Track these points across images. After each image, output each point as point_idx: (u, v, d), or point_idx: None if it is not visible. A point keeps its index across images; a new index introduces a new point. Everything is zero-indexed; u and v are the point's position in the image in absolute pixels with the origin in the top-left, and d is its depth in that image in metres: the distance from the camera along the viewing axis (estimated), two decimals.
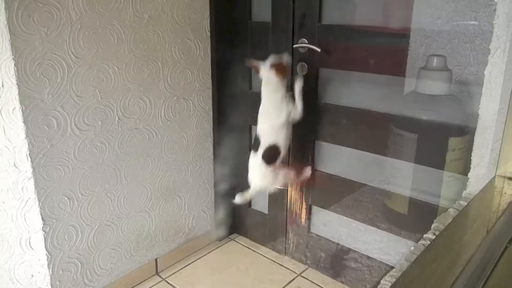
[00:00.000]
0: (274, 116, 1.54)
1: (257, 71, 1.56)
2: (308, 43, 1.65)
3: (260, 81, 1.57)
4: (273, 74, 1.51)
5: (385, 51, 1.54)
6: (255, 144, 1.60)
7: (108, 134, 1.55)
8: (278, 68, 1.51)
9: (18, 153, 1.34)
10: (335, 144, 1.74)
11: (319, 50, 1.62)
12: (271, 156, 1.57)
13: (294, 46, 1.69)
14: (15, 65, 1.25)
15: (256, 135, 1.60)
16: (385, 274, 0.72)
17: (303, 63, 1.69)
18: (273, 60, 1.53)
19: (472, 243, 0.80)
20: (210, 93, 1.91)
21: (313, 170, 1.80)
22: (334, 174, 1.76)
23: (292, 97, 1.57)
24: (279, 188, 1.79)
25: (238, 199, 1.66)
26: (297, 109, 1.55)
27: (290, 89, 1.60)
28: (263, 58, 1.55)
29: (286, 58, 1.56)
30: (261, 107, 1.58)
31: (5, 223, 1.42)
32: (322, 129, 1.74)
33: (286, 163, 1.78)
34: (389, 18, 1.56)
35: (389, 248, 1.67)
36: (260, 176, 1.61)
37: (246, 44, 1.88)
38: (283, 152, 1.58)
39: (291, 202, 1.92)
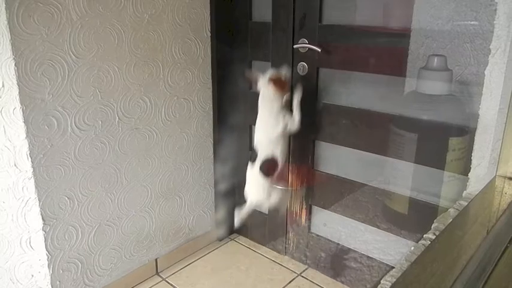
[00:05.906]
0: (270, 127, 1.54)
1: (255, 84, 1.56)
2: (308, 43, 1.65)
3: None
4: (271, 88, 1.51)
5: (385, 51, 1.54)
6: (252, 156, 1.59)
7: (109, 134, 1.55)
8: (276, 82, 1.51)
9: (18, 153, 1.34)
10: (335, 144, 1.73)
11: (319, 50, 1.61)
12: (268, 168, 1.56)
13: (295, 46, 1.68)
14: (15, 65, 1.25)
15: (253, 147, 1.60)
16: (385, 274, 0.72)
17: (303, 63, 1.69)
18: (271, 74, 1.53)
19: (472, 244, 0.80)
20: (211, 93, 1.91)
21: (313, 169, 1.80)
22: (334, 174, 1.76)
23: (290, 108, 1.57)
24: (274, 207, 1.77)
25: (236, 219, 1.65)
26: (295, 121, 1.56)
27: (289, 103, 1.60)
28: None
29: (285, 72, 1.55)
30: (258, 119, 1.58)
31: (5, 223, 1.42)
32: (322, 129, 1.74)
33: (283, 176, 1.78)
34: (390, 18, 1.56)
35: (389, 248, 1.67)
36: (257, 188, 1.60)
37: (246, 44, 1.88)
38: (280, 164, 1.58)
39: (291, 202, 1.92)
